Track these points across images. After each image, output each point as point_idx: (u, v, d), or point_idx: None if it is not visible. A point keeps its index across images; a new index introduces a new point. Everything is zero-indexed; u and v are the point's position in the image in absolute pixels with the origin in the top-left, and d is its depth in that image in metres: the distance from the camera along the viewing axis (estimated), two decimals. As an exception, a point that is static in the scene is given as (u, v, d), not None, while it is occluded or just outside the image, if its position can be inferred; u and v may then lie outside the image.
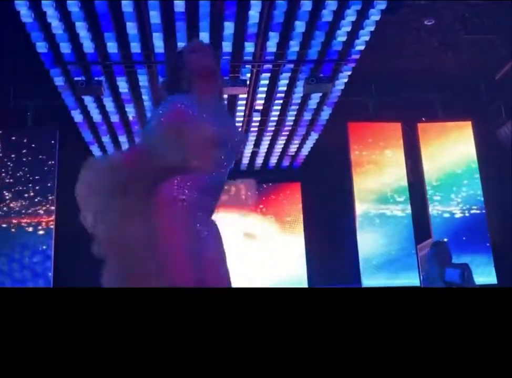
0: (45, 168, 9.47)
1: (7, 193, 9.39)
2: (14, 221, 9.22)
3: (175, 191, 2.09)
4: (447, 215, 9.84)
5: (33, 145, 9.52)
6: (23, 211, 9.25)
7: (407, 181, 10.06)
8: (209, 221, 2.21)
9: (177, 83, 2.30)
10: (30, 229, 9.22)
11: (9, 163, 9.49)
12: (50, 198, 9.34)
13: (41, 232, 9.21)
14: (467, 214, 9.80)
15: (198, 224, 2.10)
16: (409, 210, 9.94)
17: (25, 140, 9.55)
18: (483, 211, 9.78)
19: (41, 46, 7.38)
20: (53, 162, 9.48)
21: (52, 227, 9.23)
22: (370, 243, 9.69)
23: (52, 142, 9.53)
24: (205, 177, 2.15)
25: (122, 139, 10.05)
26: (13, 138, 9.57)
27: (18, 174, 9.44)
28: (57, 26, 7.04)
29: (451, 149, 10.04)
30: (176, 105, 2.18)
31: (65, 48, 7.48)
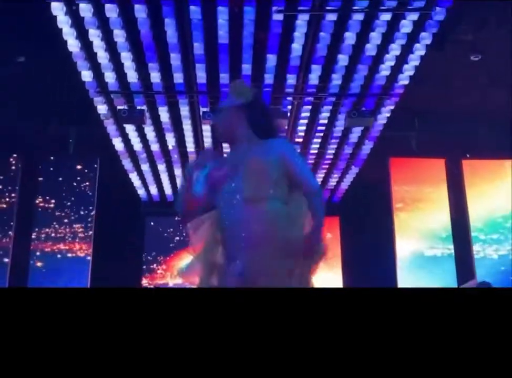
0: (85, 195, 9.77)
1: (47, 219, 9.67)
2: (52, 247, 9.47)
3: None
4: (491, 256, 9.67)
5: (74, 172, 9.86)
6: (62, 237, 9.53)
7: (450, 220, 9.93)
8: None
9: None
10: (69, 254, 9.45)
11: (50, 189, 9.80)
12: (89, 224, 9.65)
13: (78, 258, 9.45)
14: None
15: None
16: (452, 250, 9.80)
17: (66, 167, 9.90)
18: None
19: (86, 75, 7.56)
20: (93, 189, 9.78)
21: (90, 254, 9.47)
22: (411, 282, 9.55)
23: (93, 170, 9.86)
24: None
25: (161, 168, 10.16)
26: (55, 164, 9.94)
27: (59, 200, 9.75)
28: (102, 56, 7.23)
29: (498, 189, 9.91)
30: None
31: (109, 77, 7.64)
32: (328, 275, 10.77)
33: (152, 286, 10.26)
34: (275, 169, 2.39)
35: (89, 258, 9.43)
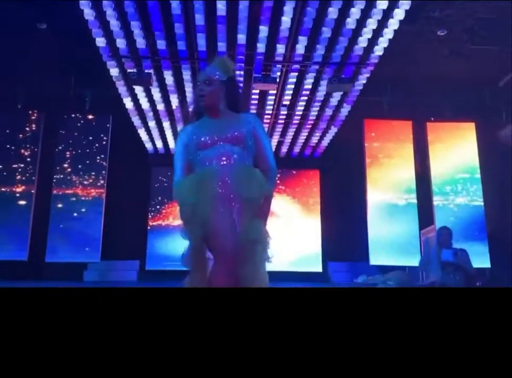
0: (100, 148, 9.99)
1: (66, 168, 9.92)
2: (70, 191, 9.78)
3: None
4: (449, 206, 9.96)
5: (89, 127, 10.02)
6: (79, 183, 9.84)
7: (414, 174, 10.16)
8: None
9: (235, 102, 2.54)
10: (84, 198, 9.76)
11: (69, 143, 10.03)
12: (103, 172, 9.92)
13: (93, 201, 9.75)
14: (469, 205, 9.91)
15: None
16: (415, 199, 10.08)
17: (83, 123, 10.05)
18: (482, 204, 9.90)
19: (100, 41, 7.62)
20: (106, 142, 9.97)
21: (103, 198, 9.78)
22: (379, 226, 9.87)
23: (106, 125, 10.03)
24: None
25: (166, 125, 10.19)
26: (73, 121, 10.06)
27: (76, 151, 10.00)
28: (114, 24, 7.29)
29: (456, 147, 10.14)
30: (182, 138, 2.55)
31: (121, 43, 7.71)
32: (308, 220, 11.17)
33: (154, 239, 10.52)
34: (249, 138, 2.44)
35: (102, 202, 9.72)
